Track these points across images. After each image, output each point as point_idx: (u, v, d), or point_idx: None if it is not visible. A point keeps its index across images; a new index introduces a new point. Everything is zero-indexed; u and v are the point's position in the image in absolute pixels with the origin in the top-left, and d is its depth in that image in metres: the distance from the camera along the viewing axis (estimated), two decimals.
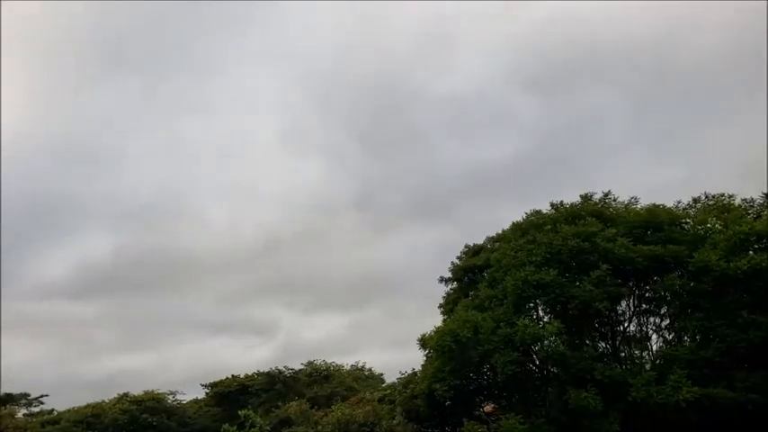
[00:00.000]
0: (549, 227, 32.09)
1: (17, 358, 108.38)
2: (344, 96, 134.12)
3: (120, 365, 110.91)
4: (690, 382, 26.14)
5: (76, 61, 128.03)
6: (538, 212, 35.08)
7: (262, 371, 71.76)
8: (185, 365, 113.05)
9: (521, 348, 28.99)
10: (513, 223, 36.04)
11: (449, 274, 39.28)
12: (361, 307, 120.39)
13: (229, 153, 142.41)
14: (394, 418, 39.43)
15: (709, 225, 31.33)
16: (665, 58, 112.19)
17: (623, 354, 31.66)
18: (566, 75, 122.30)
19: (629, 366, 29.83)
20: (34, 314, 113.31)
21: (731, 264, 27.52)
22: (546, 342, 28.53)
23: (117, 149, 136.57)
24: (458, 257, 39.96)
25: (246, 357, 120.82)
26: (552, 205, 34.88)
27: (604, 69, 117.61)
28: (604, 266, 28.98)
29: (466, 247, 40.24)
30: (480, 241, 39.21)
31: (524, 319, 29.03)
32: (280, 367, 71.57)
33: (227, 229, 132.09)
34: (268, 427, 44.14)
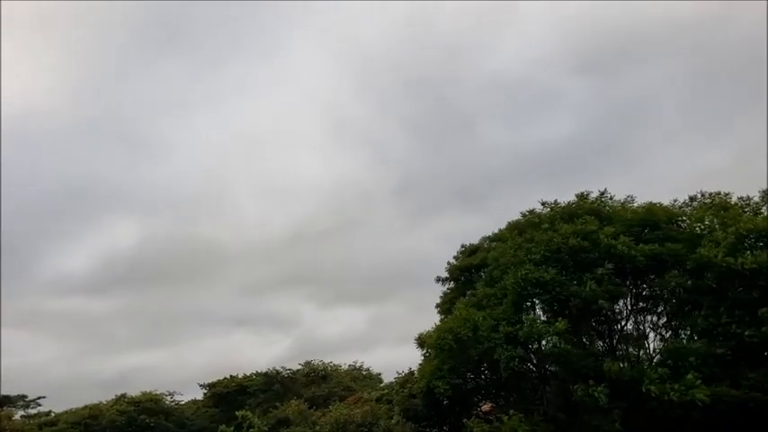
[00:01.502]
0: (546, 225, 32.10)
1: (29, 355, 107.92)
2: (388, 81, 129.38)
3: (135, 363, 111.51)
4: (700, 382, 25.99)
5: (125, 39, 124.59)
6: (533, 212, 35.13)
7: (260, 371, 71.79)
8: (202, 362, 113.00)
9: (523, 344, 28.94)
10: (510, 223, 36.11)
11: (445, 274, 39.39)
12: (386, 300, 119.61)
13: (268, 141, 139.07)
14: (392, 418, 39.44)
15: (707, 223, 31.38)
16: (720, 37, 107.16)
17: (620, 352, 31.70)
18: (616, 56, 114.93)
19: (629, 365, 29.82)
20: (50, 309, 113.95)
21: (738, 259, 27.42)
22: (550, 339, 28.48)
23: (158, 134, 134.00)
24: (454, 257, 40.05)
25: (265, 353, 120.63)
26: (545, 204, 34.88)
27: (657, 51, 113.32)
28: (609, 265, 28.99)
29: (462, 246, 40.33)
30: None
31: (529, 315, 29.02)
32: (278, 367, 71.62)
33: (259, 220, 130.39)
34: (266, 428, 44.08)
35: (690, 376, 26.07)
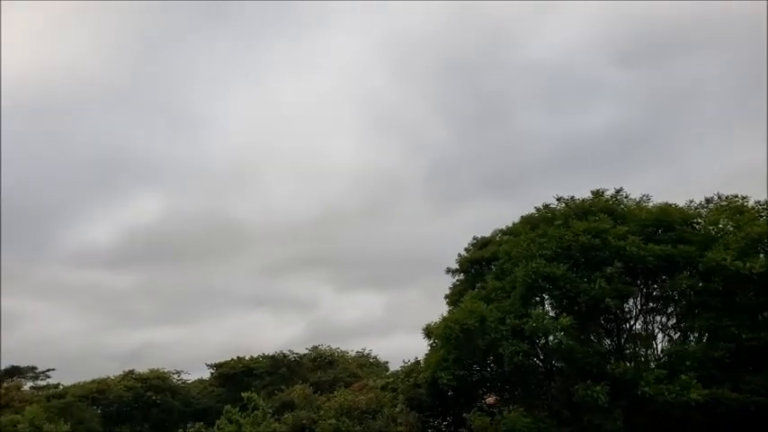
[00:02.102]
0: (559, 221, 31.96)
1: (47, 326, 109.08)
2: (426, 66, 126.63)
3: (152, 338, 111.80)
4: (700, 384, 26.01)
5: (166, 11, 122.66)
6: (547, 207, 34.97)
7: (267, 354, 72.21)
8: (219, 341, 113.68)
9: (528, 339, 28.94)
10: (523, 217, 35.95)
11: (455, 266, 39.33)
12: (406, 287, 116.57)
13: (302, 121, 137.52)
14: (396, 406, 39.54)
15: (720, 226, 31.15)
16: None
17: (628, 351, 31.61)
18: (662, 45, 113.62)
19: (634, 364, 29.74)
20: (70, 281, 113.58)
21: (746, 264, 27.30)
22: (555, 335, 28.45)
23: (193, 109, 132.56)
24: (465, 249, 39.97)
25: (280, 335, 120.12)
26: (560, 200, 34.70)
27: (703, 41, 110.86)
28: (618, 264, 28.85)
29: (474, 238, 40.23)
30: None
31: (536, 310, 28.98)
32: (285, 351, 72.01)
33: (287, 200, 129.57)
34: (270, 410, 44.33)
35: (685, 377, 26.13)
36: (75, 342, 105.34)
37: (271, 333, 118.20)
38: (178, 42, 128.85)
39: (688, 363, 27.10)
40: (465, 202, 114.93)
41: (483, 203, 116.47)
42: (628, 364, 28.82)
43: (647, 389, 26.23)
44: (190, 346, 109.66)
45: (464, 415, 31.41)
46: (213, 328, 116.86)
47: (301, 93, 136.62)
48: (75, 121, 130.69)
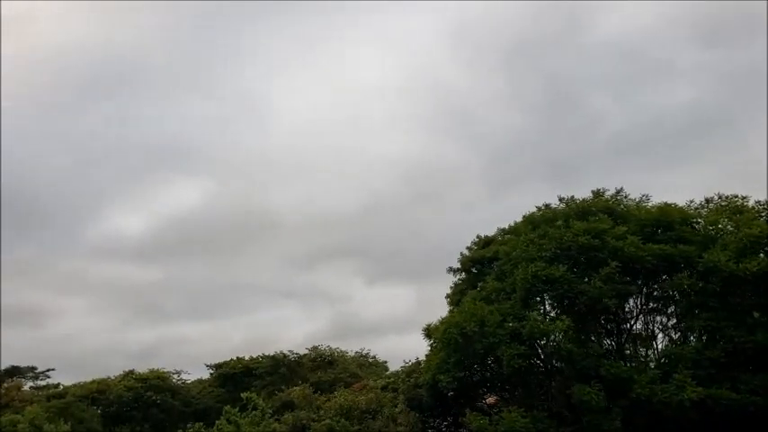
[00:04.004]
0: (560, 222, 31.98)
1: (67, 321, 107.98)
2: (489, 48, 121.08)
3: (175, 334, 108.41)
4: (695, 382, 26.11)
5: None
6: (548, 206, 34.98)
7: (267, 354, 72.17)
8: (242, 337, 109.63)
9: (527, 342, 28.97)
10: (525, 216, 35.95)
11: (457, 265, 39.30)
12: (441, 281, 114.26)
13: (355, 108, 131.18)
14: (396, 407, 39.51)
15: (720, 226, 31.17)
16: None
17: (628, 351, 31.65)
18: (741, 24, 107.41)
19: (633, 364, 29.77)
20: (95, 275, 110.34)
21: (740, 265, 27.37)
22: (553, 338, 28.51)
23: (244, 93, 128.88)
24: (467, 248, 39.94)
25: (305, 329, 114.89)
26: (562, 200, 34.73)
27: None
28: (614, 264, 28.88)
29: (477, 237, 40.20)
30: None
31: (533, 312, 29.01)
32: (285, 351, 71.95)
33: (333, 190, 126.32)
34: (270, 410, 44.28)
35: (679, 377, 26.16)
36: (96, 339, 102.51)
37: (297, 327, 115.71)
38: (231, 27, 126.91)
39: (681, 364, 27.21)
40: (523, 190, 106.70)
41: (542, 190, 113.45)
42: (623, 365, 28.89)
43: (640, 391, 26.43)
44: (214, 342, 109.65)
45: (461, 419, 31.37)
46: (238, 323, 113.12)
47: (357, 79, 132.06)
48: (120, 105, 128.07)
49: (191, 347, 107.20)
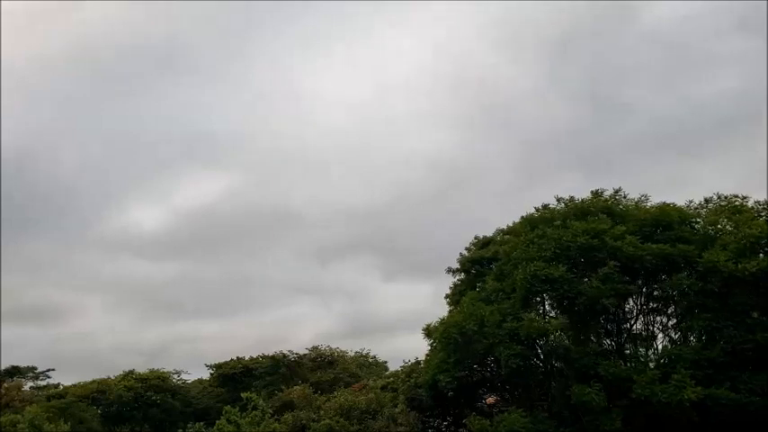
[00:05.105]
0: (558, 222, 31.98)
1: (80, 320, 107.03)
2: (527, 38, 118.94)
3: (188, 332, 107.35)
4: (694, 381, 26.14)
5: None
6: (547, 207, 34.97)
7: (266, 354, 72.19)
8: (257, 334, 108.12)
9: (525, 342, 29.01)
10: (523, 217, 35.94)
11: (456, 265, 39.33)
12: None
13: (392, 100, 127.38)
14: (396, 407, 39.56)
15: (719, 226, 31.19)
16: None
17: (628, 351, 31.66)
18: None
19: (633, 364, 29.80)
20: (109, 273, 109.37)
21: (739, 265, 27.40)
22: (552, 337, 28.54)
23: (274, 85, 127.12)
24: (466, 248, 39.97)
25: (318, 326, 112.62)
26: (560, 200, 34.72)
27: None
28: (612, 263, 28.91)
29: (475, 238, 40.23)
30: None
31: (531, 313, 29.05)
32: (285, 351, 71.98)
33: (351, 185, 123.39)
34: (270, 410, 44.32)
35: (678, 377, 26.21)
36: (112, 337, 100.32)
37: (313, 325, 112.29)
38: (265, 20, 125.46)
39: (683, 363, 27.24)
40: (556, 182, 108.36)
41: (575, 181, 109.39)
42: (622, 365, 28.94)
43: (640, 391, 26.47)
44: (230, 341, 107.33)
45: (462, 421, 31.42)
46: (254, 320, 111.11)
47: (400, 73, 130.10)
48: (145, 95, 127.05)
49: (204, 345, 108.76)
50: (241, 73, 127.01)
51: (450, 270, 39.48)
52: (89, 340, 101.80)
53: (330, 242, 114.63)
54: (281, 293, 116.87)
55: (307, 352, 72.28)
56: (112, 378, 70.48)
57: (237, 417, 41.86)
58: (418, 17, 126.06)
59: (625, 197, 33.96)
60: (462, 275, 38.94)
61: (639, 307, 31.83)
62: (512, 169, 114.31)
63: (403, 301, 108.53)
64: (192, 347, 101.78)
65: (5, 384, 66.90)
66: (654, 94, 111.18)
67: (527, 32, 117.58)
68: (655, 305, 32.10)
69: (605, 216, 31.29)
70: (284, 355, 71.50)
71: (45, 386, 74.26)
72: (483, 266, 37.45)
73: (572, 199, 34.26)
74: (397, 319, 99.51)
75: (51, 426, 49.21)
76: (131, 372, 70.73)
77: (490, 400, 34.85)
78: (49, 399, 63.63)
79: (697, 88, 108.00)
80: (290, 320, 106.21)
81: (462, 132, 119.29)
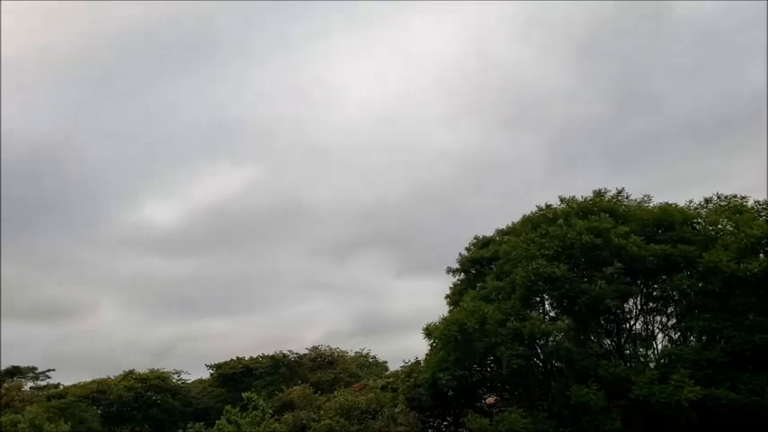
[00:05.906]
0: (561, 221, 31.94)
1: (90, 316, 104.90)
2: (551, 34, 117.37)
3: (203, 329, 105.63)
4: (693, 381, 26.14)
5: None
6: (548, 206, 34.94)
7: (266, 354, 72.18)
8: (268, 333, 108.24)
9: (527, 342, 28.97)
10: (524, 217, 35.92)
11: (456, 265, 39.27)
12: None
13: (418, 95, 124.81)
14: (396, 406, 39.51)
15: (720, 226, 31.17)
16: None
17: (628, 351, 31.64)
18: None
19: (633, 364, 29.78)
20: (121, 269, 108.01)
21: (741, 265, 27.38)
22: (553, 338, 28.50)
23: (299, 78, 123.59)
24: (466, 248, 39.91)
25: (328, 324, 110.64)
26: (562, 200, 34.70)
27: None
28: (618, 264, 28.87)
29: (475, 238, 40.17)
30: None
31: (533, 312, 29.01)
32: (285, 351, 71.98)
33: (380, 180, 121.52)
34: (270, 410, 44.29)
35: (677, 377, 26.19)
36: (123, 334, 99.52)
37: (326, 321, 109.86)
38: (290, 14, 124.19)
39: (683, 364, 27.29)
40: (583, 178, 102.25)
41: (600, 175, 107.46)
42: (622, 365, 28.92)
43: (638, 391, 26.50)
44: (241, 338, 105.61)
45: (461, 420, 31.39)
46: (265, 317, 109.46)
47: (428, 68, 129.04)
48: (166, 86, 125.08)
49: (215, 344, 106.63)
50: (260, 67, 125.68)
51: (449, 270, 39.45)
52: (97, 338, 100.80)
53: (344, 239, 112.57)
54: (294, 290, 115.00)
55: (307, 352, 72.31)
56: (112, 378, 70.49)
57: (238, 417, 41.83)
58: (446, 17, 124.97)
59: (627, 198, 33.98)
60: (462, 275, 38.90)
61: (639, 307, 31.82)
62: (534, 168, 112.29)
63: (417, 298, 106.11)
64: (203, 345, 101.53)
65: (6, 384, 66.88)
66: (685, 88, 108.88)
67: (555, 31, 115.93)
68: (654, 305, 32.09)
69: (607, 216, 31.26)
70: (284, 355, 71.49)
71: (45, 386, 74.26)
72: (483, 266, 37.41)
73: (574, 198, 34.26)
74: (412, 318, 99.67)
75: (51, 426, 49.17)
76: (131, 372, 70.73)
77: (490, 399, 34.82)
78: (49, 399, 63.60)
79: (728, 83, 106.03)
80: (303, 318, 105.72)
81: (484, 130, 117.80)
